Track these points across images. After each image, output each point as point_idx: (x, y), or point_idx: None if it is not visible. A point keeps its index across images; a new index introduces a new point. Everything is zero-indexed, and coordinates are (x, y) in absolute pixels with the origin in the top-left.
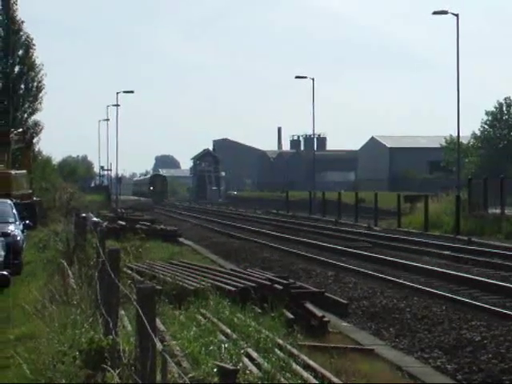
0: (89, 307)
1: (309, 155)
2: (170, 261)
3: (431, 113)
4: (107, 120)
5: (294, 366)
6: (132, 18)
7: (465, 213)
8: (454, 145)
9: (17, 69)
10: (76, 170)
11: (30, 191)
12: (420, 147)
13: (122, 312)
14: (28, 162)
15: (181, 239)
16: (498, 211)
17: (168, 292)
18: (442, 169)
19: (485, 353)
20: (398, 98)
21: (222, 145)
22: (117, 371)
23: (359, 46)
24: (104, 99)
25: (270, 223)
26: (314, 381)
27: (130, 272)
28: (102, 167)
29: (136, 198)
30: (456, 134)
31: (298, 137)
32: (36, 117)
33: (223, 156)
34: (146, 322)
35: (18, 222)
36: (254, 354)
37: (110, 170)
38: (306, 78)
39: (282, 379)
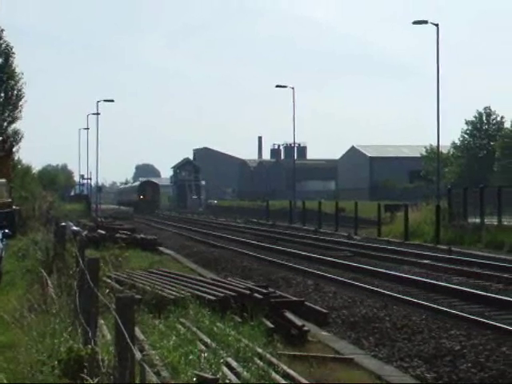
0: (68, 316)
1: (289, 164)
2: (150, 270)
3: (414, 122)
4: (87, 129)
5: (274, 375)
6: (114, 27)
7: (445, 222)
8: (433, 154)
9: None
10: (56, 179)
11: (10, 200)
12: (400, 156)
13: (102, 321)
14: (7, 170)
15: (161, 248)
16: (477, 221)
17: (147, 301)
18: (422, 178)
19: (464, 362)
20: (381, 107)
21: (203, 154)
22: (95, 380)
23: (342, 55)
24: (85, 108)
25: (251, 232)
26: None
27: (109, 281)
28: (82, 176)
29: (116, 206)
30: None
31: (279, 146)
32: (16, 125)
33: (204, 165)
34: (124, 331)
35: None
36: (234, 363)
37: (90, 178)
38: (286, 87)
39: None
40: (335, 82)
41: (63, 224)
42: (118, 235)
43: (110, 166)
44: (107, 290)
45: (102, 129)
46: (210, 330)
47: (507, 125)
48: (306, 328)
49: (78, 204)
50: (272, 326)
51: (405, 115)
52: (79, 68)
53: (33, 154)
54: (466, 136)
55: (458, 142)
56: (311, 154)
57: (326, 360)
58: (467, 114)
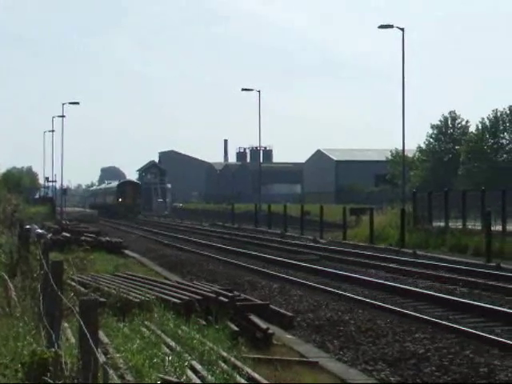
0: (32, 319)
1: (255, 167)
2: (115, 273)
3: (380, 125)
4: (52, 131)
5: (238, 378)
6: (80, 29)
7: (410, 226)
8: (399, 158)
9: None
10: (21, 182)
11: None
12: (366, 160)
13: (66, 324)
14: None
15: (126, 251)
16: (442, 224)
17: (112, 304)
18: (388, 182)
19: (428, 365)
20: (347, 110)
21: (168, 157)
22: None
23: (308, 59)
24: (50, 110)
25: (216, 235)
26: None
27: (73, 284)
28: (46, 178)
29: (82, 209)
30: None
31: (245, 149)
32: None
33: (169, 168)
34: (88, 334)
35: None
36: (198, 367)
37: (55, 181)
38: (252, 90)
39: None
40: (300, 85)
41: (28, 227)
42: (82, 238)
43: (76, 169)
44: (71, 293)
45: (67, 131)
46: (174, 334)
47: (472, 129)
48: (270, 331)
49: (42, 207)
50: (237, 329)
51: (371, 119)
52: (45, 71)
53: None
54: (431, 140)
55: (423, 146)
56: (277, 158)
57: (291, 363)
58: (433, 118)
